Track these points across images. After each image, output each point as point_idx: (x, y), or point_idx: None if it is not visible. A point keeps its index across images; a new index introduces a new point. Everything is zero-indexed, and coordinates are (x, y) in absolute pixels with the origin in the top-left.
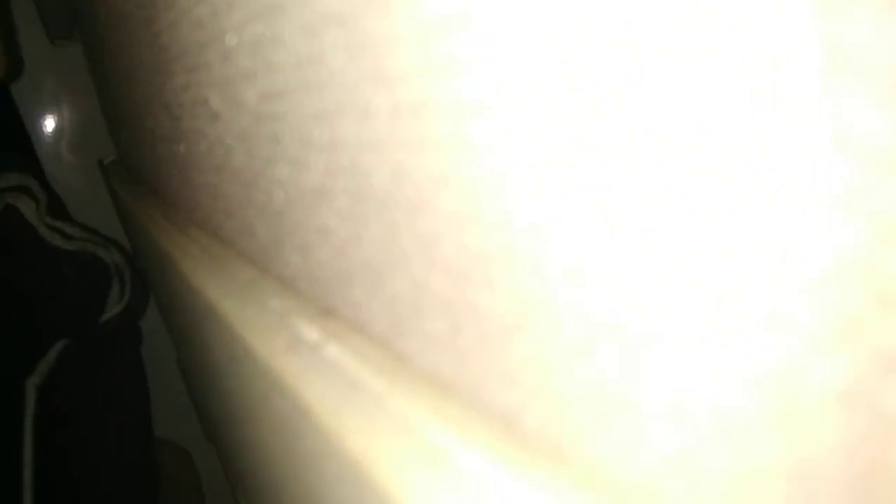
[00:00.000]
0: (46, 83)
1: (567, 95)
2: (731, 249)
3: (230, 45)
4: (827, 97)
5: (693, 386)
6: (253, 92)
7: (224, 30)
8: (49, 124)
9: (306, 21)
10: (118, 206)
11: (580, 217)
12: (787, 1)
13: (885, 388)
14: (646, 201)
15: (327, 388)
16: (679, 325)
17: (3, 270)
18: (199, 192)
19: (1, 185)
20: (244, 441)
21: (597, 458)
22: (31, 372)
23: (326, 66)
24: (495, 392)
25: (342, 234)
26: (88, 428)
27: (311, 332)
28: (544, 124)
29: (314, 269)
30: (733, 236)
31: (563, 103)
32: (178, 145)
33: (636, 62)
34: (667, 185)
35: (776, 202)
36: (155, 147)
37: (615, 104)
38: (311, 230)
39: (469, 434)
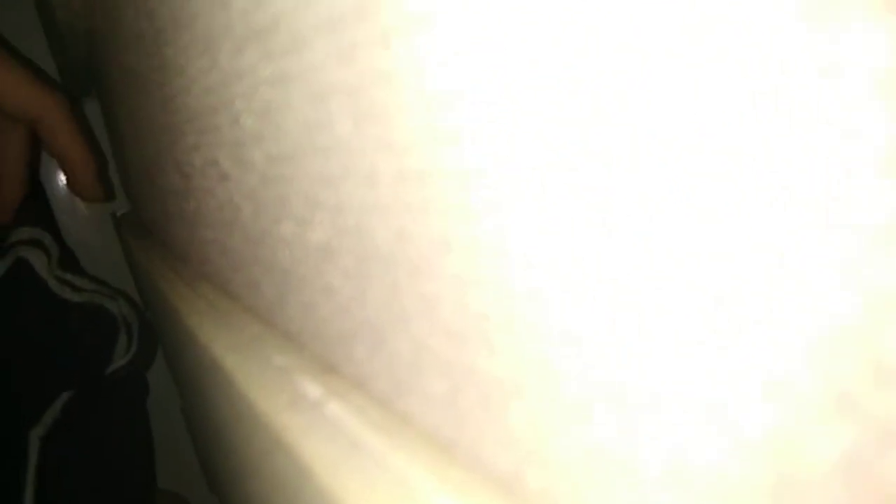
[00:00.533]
0: None
1: (565, 165)
2: (729, 316)
3: (239, 109)
4: (828, 173)
5: (691, 451)
6: (261, 154)
7: (234, 96)
8: (63, 178)
9: (314, 89)
10: (129, 258)
11: (579, 281)
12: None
13: (883, 461)
14: (644, 267)
15: (328, 446)
16: (677, 390)
17: (13, 322)
18: (207, 247)
19: (14, 239)
20: (247, 498)
21: None
22: (35, 423)
23: (333, 132)
24: (495, 454)
25: (346, 293)
26: (90, 479)
27: (313, 389)
28: (544, 192)
29: (318, 326)
30: (731, 303)
31: (561, 173)
32: (188, 202)
33: (638, 122)
34: (663, 253)
35: (772, 270)
36: (166, 203)
37: (615, 174)
38: (316, 288)
39: (469, 497)
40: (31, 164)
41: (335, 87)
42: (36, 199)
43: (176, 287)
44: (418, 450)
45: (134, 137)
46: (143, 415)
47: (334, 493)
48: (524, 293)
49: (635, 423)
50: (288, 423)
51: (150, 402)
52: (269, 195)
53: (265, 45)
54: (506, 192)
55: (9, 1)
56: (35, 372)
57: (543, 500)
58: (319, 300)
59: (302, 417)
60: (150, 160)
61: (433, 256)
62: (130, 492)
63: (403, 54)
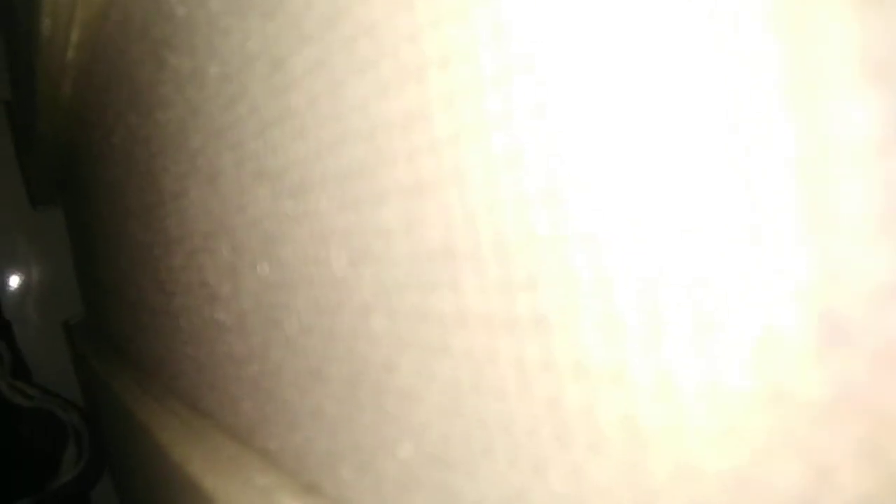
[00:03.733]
0: (20, 245)
1: (534, 317)
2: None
3: (239, 238)
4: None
5: None
6: (257, 281)
7: (234, 225)
8: (16, 283)
9: (315, 230)
10: (81, 368)
11: (539, 412)
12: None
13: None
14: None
15: None
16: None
17: None
18: (183, 363)
19: None
20: None
21: None
22: None
23: (330, 269)
24: None
25: (334, 415)
26: None
27: None
28: (515, 342)
29: (301, 445)
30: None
31: (529, 326)
32: (167, 319)
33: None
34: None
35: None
36: (137, 316)
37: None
38: (304, 411)
39: None
40: None
41: (335, 231)
42: None
43: (143, 403)
44: None
45: (104, 250)
46: None
47: None
48: (500, 428)
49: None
50: None
51: None
52: (260, 320)
53: (273, 186)
54: (481, 336)
55: None
56: None
57: None
58: (306, 421)
59: None
60: (124, 273)
61: (420, 387)
62: None
63: (397, 212)
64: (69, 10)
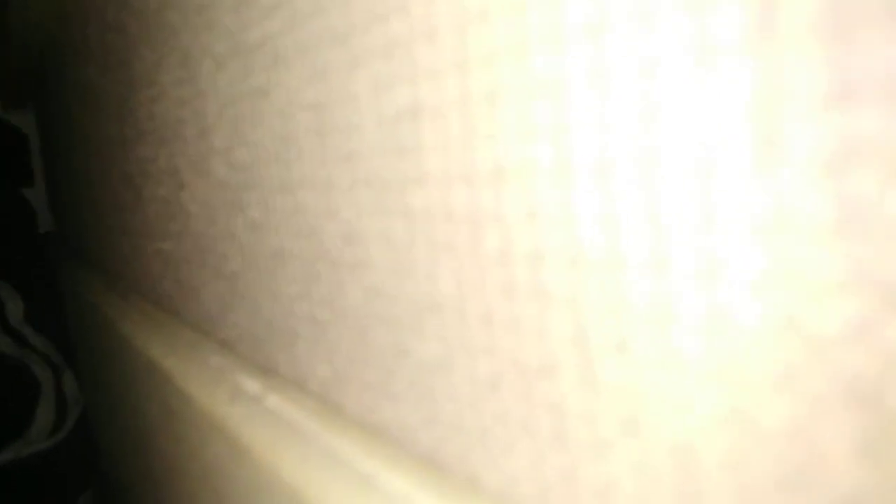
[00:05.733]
0: None
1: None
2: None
3: (210, 122)
4: None
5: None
6: (225, 164)
7: (206, 108)
8: None
9: (284, 105)
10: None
11: (492, 282)
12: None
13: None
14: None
15: (267, 431)
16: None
17: None
18: (150, 259)
19: None
20: (180, 487)
21: (507, 481)
22: None
23: (297, 145)
24: (419, 429)
25: (292, 293)
26: None
27: (252, 385)
28: (473, 203)
29: (260, 329)
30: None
31: (488, 195)
32: (135, 214)
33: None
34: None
35: None
36: (105, 217)
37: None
38: (265, 291)
39: (394, 464)
40: None
41: (304, 104)
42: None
43: (108, 300)
44: (351, 430)
45: (77, 153)
46: None
47: (271, 469)
48: (449, 287)
49: (533, 391)
50: (228, 415)
51: None
52: (227, 203)
53: (246, 62)
54: (439, 195)
55: None
56: None
57: (461, 467)
58: (266, 302)
59: (242, 409)
60: (94, 174)
61: (376, 254)
62: None
63: (365, 77)
64: None
